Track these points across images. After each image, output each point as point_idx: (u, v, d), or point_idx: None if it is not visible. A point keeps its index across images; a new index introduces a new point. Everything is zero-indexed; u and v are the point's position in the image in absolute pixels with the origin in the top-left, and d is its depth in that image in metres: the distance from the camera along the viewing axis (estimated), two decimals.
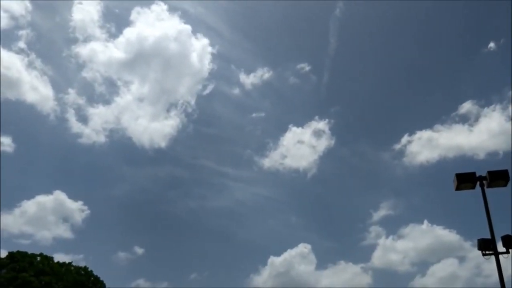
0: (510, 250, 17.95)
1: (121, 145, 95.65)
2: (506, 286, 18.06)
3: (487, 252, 18.19)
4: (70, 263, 52.57)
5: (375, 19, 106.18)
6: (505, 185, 18.88)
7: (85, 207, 78.40)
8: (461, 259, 77.51)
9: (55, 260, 52.00)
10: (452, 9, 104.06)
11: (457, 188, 19.29)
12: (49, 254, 52.26)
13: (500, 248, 18.23)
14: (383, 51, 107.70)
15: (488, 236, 18.38)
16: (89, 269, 52.42)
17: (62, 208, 79.28)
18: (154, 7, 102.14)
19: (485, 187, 18.93)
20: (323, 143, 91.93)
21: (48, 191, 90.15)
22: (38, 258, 50.43)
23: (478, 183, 19.11)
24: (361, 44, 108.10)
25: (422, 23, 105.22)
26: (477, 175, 19.20)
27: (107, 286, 52.71)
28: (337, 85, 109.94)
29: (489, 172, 18.67)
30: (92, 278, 51.54)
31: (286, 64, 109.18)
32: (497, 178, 18.59)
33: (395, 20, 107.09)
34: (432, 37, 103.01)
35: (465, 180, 18.98)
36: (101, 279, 52.18)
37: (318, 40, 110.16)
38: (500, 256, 18.10)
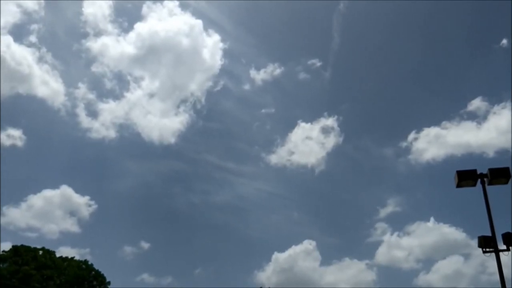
0: (510, 247, 17.85)
1: (130, 141, 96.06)
2: (507, 284, 18.01)
3: (487, 249, 18.11)
4: (72, 258, 52.84)
5: (381, 15, 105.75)
6: (506, 183, 18.71)
7: (92, 202, 78.76)
8: (466, 257, 77.31)
9: (61, 254, 52.53)
10: (464, 5, 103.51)
11: (458, 185, 19.14)
12: (56, 248, 52.98)
13: (501, 245, 18.16)
14: (391, 47, 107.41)
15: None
16: (90, 263, 52.65)
17: (69, 202, 79.76)
18: (166, 2, 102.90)
19: (486, 185, 18.82)
20: (332, 140, 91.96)
21: (55, 185, 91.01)
22: (41, 252, 50.67)
23: (479, 180, 19.00)
24: (368, 41, 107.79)
25: (432, 18, 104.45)
26: (479, 172, 19.07)
27: (111, 280, 53.07)
28: (346, 82, 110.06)
29: (490, 170, 18.52)
30: (93, 272, 51.71)
31: (296, 60, 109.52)
32: (498, 175, 18.43)
33: (402, 15, 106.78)
34: (443, 33, 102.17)
35: (466, 177, 18.84)
36: (101, 273, 52.42)
37: (326, 37, 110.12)
38: (501, 254, 18.03)
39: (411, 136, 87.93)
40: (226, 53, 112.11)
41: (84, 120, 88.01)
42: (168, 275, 78.97)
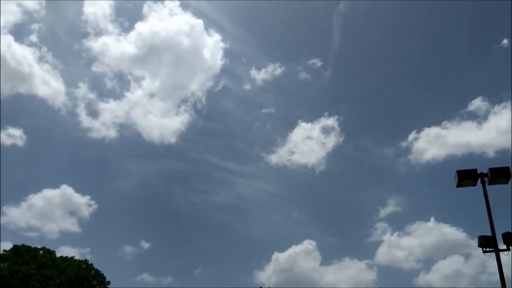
0: (510, 247, 17.82)
1: (130, 140, 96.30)
2: (507, 284, 17.99)
3: (487, 249, 18.08)
4: (72, 258, 52.83)
5: (381, 15, 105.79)
6: (506, 182, 18.68)
7: (93, 202, 78.86)
8: (467, 257, 77.43)
9: (61, 254, 52.57)
10: (464, 5, 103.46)
11: (458, 185, 19.11)
12: (56, 248, 52.97)
13: (501, 245, 18.14)
14: (391, 47, 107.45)
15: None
16: (90, 263, 52.64)
17: (69, 202, 79.95)
18: (166, 2, 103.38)
19: (486, 184, 18.79)
20: (332, 140, 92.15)
21: (56, 185, 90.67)
22: (41, 252, 50.67)
23: (479, 180, 18.96)
24: (368, 41, 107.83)
25: (432, 18, 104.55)
26: (479, 172, 19.04)
27: (111, 280, 53.08)
28: (346, 82, 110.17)
29: (490, 169, 18.49)
30: (93, 272, 51.71)
31: (296, 60, 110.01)
32: (498, 175, 18.40)
33: (402, 15, 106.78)
34: (443, 33, 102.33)
35: (466, 177, 18.81)
36: (101, 272, 52.41)
37: (326, 37, 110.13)
38: (501, 254, 18.00)
39: (412, 136, 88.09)
40: (227, 53, 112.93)
41: (85, 120, 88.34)
42: (168, 275, 79.12)
